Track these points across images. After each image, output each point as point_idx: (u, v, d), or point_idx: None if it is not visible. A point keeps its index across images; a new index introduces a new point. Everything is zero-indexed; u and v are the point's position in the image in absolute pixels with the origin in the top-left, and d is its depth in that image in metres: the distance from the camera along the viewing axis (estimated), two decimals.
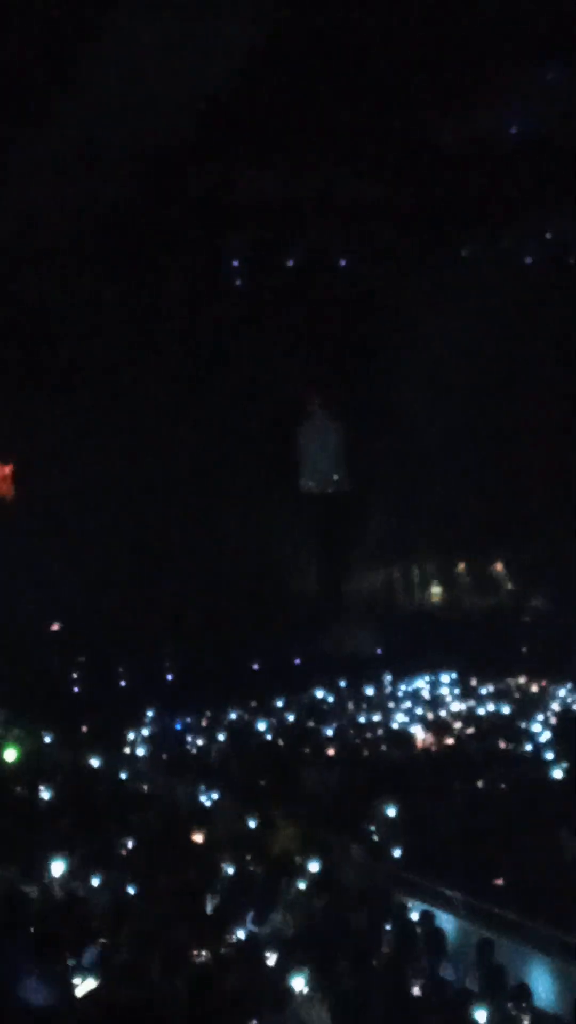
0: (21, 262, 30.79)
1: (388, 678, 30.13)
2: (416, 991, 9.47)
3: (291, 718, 24.74)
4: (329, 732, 22.69)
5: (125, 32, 20.06)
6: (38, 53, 20.21)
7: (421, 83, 23.77)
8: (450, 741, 22.00)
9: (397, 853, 14.00)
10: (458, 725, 23.81)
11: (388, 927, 11.02)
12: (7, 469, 35.41)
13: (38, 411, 34.21)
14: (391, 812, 15.40)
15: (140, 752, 20.29)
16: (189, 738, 21.99)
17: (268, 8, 20.32)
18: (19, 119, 22.92)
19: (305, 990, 8.66)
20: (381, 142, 26.21)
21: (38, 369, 32.77)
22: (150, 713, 24.26)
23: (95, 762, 16.83)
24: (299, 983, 8.59)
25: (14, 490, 35.33)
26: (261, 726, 23.79)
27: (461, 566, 39.43)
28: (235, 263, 33.74)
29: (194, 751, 20.78)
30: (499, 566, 38.14)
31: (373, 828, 15.10)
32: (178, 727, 23.22)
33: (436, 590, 40.26)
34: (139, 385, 34.72)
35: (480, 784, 17.98)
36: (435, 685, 29.81)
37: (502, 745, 21.30)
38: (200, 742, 21.55)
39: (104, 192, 26.92)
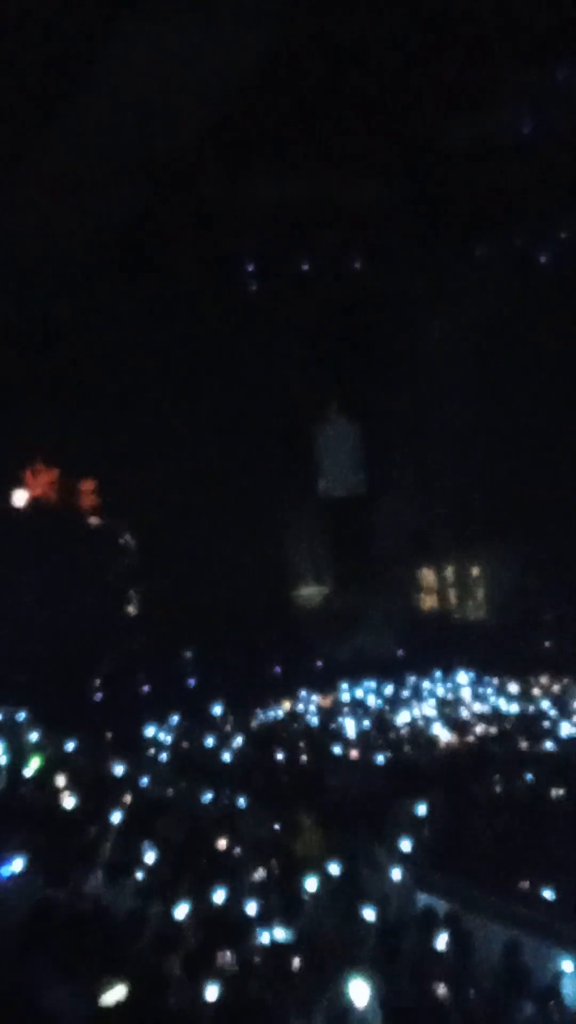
0: (36, 274, 30.93)
1: (410, 679, 30.11)
2: (442, 992, 9.45)
3: (314, 721, 24.74)
4: (351, 734, 22.69)
5: (134, 42, 20.09)
6: (46, 65, 20.25)
7: (432, 84, 23.72)
8: (472, 741, 21.95)
9: (421, 854, 13.98)
10: (480, 725, 23.75)
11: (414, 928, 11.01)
12: (53, 475, 35.60)
13: (69, 419, 34.37)
14: (415, 813, 15.39)
15: (163, 758, 20.30)
16: (212, 743, 21.99)
17: (276, 14, 20.31)
18: (29, 132, 23.00)
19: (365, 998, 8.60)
20: (393, 144, 26.18)
21: (64, 379, 32.89)
22: (173, 719, 24.31)
23: (118, 769, 16.85)
24: (361, 989, 8.53)
25: (58, 497, 35.54)
26: (283, 729, 23.82)
27: (480, 566, 39.33)
28: (250, 267, 33.77)
29: (217, 756, 20.77)
30: (517, 565, 38.01)
31: (398, 829, 15.07)
32: (201, 732, 23.24)
33: (456, 590, 40.18)
34: (154, 392, 34.78)
35: (503, 784, 17.92)
36: (456, 686, 29.77)
37: (524, 745, 21.24)
38: (223, 747, 21.55)
39: (119, 202, 27.00)
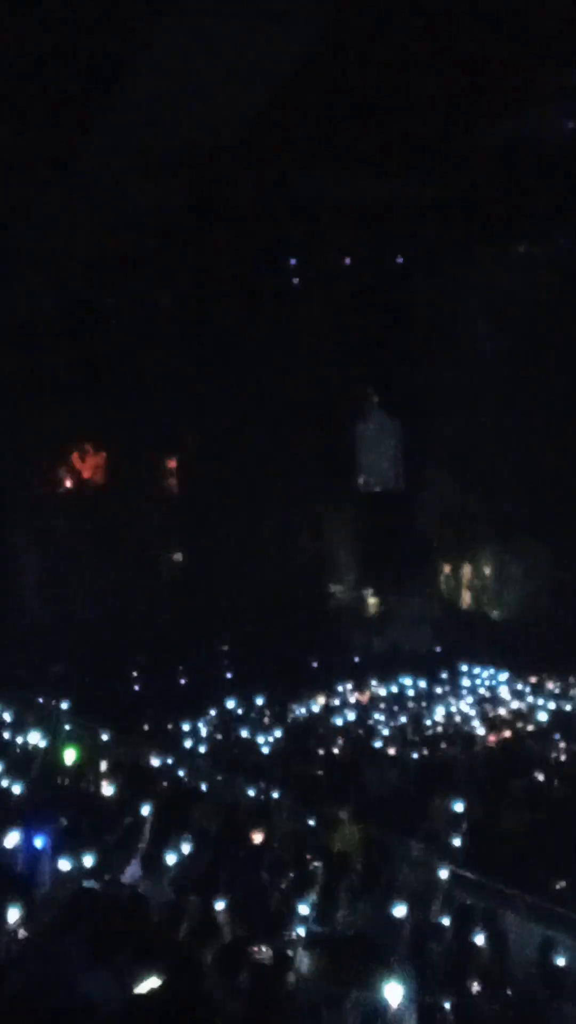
0: (81, 265, 31.14)
1: (446, 675, 30.04)
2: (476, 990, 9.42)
3: (351, 715, 24.73)
4: (387, 730, 22.67)
5: (176, 39, 20.15)
6: (90, 61, 20.33)
7: (475, 82, 23.61)
8: (509, 737, 21.87)
9: (458, 851, 13.95)
10: (518, 723, 23.67)
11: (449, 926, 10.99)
12: (100, 459, 35.86)
13: (115, 409, 34.58)
14: (452, 809, 15.35)
15: (200, 750, 20.35)
16: (248, 735, 22.02)
17: (318, 12, 20.28)
18: (71, 130, 23.11)
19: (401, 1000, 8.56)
20: (434, 143, 26.09)
21: (97, 373, 33.09)
22: (210, 711, 24.38)
23: (155, 760, 16.90)
24: (395, 991, 8.49)
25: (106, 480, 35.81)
26: (319, 723, 23.83)
27: (517, 562, 39.14)
28: (292, 262, 33.78)
29: (253, 749, 20.80)
30: (556, 561, 37.81)
31: (433, 826, 15.05)
32: (237, 725, 23.29)
33: (492, 586, 40.04)
34: (194, 386, 34.88)
35: (541, 782, 17.85)
36: (494, 682, 29.66)
37: (563, 743, 21.14)
38: (260, 740, 21.57)
39: (162, 196, 27.10)
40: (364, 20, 20.95)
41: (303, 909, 10.70)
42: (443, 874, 12.15)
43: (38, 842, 10.51)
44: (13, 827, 10.84)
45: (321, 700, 26.63)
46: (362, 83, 23.05)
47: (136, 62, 21.10)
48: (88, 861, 10.49)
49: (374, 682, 28.72)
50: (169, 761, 17.58)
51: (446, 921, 11.36)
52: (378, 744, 20.92)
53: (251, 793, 16.37)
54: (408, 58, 22.36)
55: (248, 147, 25.28)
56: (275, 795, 16.06)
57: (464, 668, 30.99)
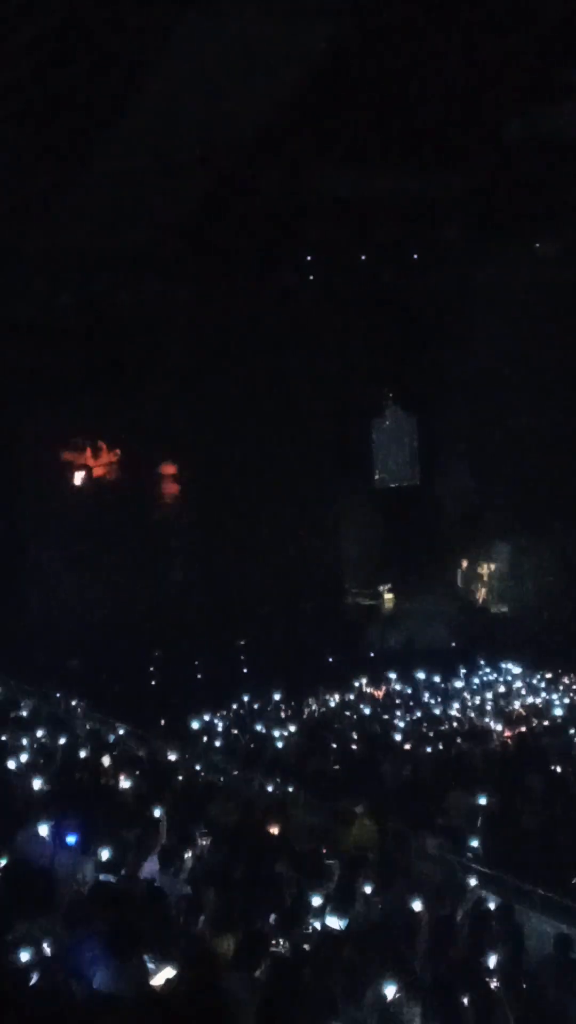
0: (99, 267, 31.25)
1: (462, 671, 30.05)
2: (493, 986, 9.44)
3: (367, 710, 24.77)
4: (403, 725, 22.70)
5: (191, 36, 20.15)
6: (107, 59, 20.36)
7: (497, 77, 23.54)
8: (526, 732, 21.88)
9: (474, 846, 13.97)
10: (533, 718, 23.67)
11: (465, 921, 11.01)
12: (114, 456, 35.96)
13: (116, 413, 34.69)
14: (468, 804, 15.38)
15: (216, 744, 20.42)
16: (265, 730, 22.08)
17: (340, 6, 20.25)
18: (90, 126, 23.16)
19: (394, 996, 8.61)
20: (450, 138, 26.03)
21: (108, 370, 33.18)
22: (227, 706, 24.45)
23: (172, 755, 16.97)
24: (390, 990, 8.54)
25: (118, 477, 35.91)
26: (335, 718, 23.87)
27: (534, 558, 39.10)
28: (308, 259, 33.75)
29: (270, 743, 20.85)
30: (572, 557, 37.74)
31: (450, 821, 15.08)
32: (253, 719, 23.36)
33: (509, 582, 39.99)
34: (212, 382, 34.94)
35: (557, 776, 17.85)
36: (509, 678, 29.67)
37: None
38: (276, 734, 21.62)
39: (181, 194, 27.13)
40: (379, 16, 20.91)
41: (319, 903, 10.74)
42: (472, 881, 12.11)
43: (70, 838, 10.58)
44: (36, 821, 10.92)
45: (337, 695, 26.68)
46: (378, 79, 23.01)
47: (151, 60, 21.11)
48: (105, 855, 10.55)
49: (390, 677, 28.76)
50: (186, 756, 17.64)
51: (462, 916, 11.39)
52: (394, 739, 20.94)
53: (268, 788, 16.42)
54: (424, 54, 22.30)
55: (263, 144, 25.27)
56: (291, 789, 16.10)
57: (480, 663, 30.99)
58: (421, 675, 28.84)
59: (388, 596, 40.34)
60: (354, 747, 20.46)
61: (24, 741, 16.41)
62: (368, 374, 37.89)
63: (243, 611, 34.42)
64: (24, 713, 19.41)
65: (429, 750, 19.79)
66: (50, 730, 17.41)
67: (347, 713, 24.86)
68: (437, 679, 28.71)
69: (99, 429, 35.66)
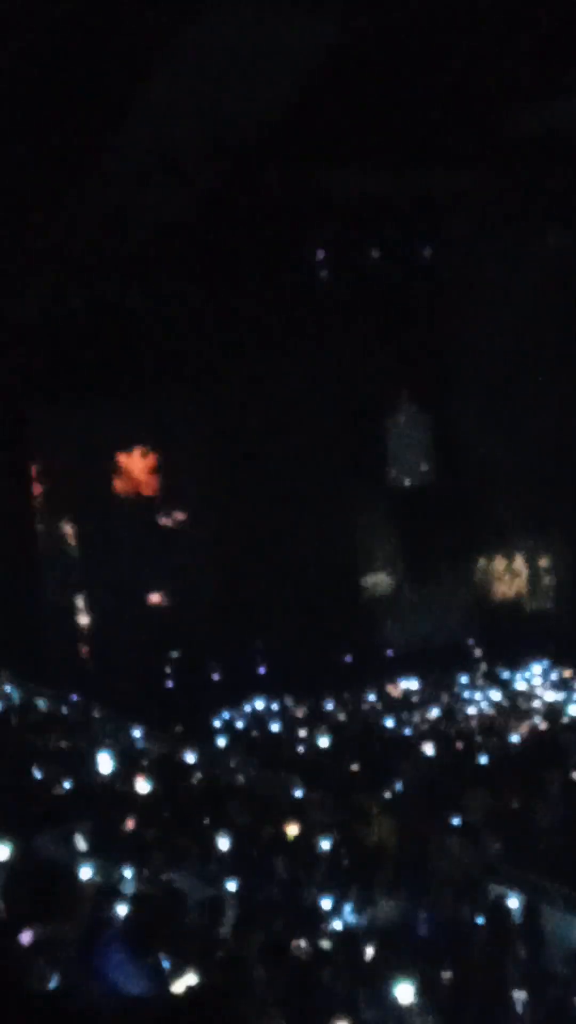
0: (109, 266, 31.24)
1: (480, 668, 29.99)
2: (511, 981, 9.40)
3: (385, 709, 24.75)
4: (421, 723, 22.66)
5: (201, 32, 20.12)
6: (114, 57, 20.34)
7: (506, 71, 23.43)
8: (543, 730, 21.81)
9: (495, 844, 13.92)
10: (554, 715, 23.59)
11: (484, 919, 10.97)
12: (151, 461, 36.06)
13: (132, 412, 34.73)
14: (485, 802, 15.33)
15: (234, 745, 20.41)
16: (281, 730, 22.07)
17: (341, 5, 20.20)
18: (98, 124, 23.14)
19: (412, 999, 8.53)
20: (465, 133, 25.93)
21: (125, 370, 33.19)
22: (244, 706, 24.46)
23: (189, 756, 16.96)
24: (406, 991, 8.45)
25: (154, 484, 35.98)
26: (353, 717, 23.86)
27: (551, 554, 38.99)
28: (320, 256, 33.69)
29: (288, 744, 20.84)
30: None
31: (468, 819, 15.03)
32: (270, 720, 23.35)
33: (527, 579, 39.87)
34: (226, 381, 34.90)
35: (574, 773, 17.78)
36: (527, 675, 29.59)
37: None
38: (293, 734, 21.62)
39: (185, 194, 27.12)
40: (388, 12, 20.84)
41: (339, 903, 10.72)
42: (512, 903, 11.93)
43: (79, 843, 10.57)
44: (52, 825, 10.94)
45: (355, 694, 26.66)
46: (383, 77, 22.93)
47: (160, 58, 21.09)
48: (124, 858, 10.55)
49: (407, 676, 28.71)
50: (204, 757, 17.63)
51: (483, 913, 11.35)
52: (412, 738, 20.90)
53: (286, 788, 16.39)
54: (432, 50, 22.22)
55: (273, 142, 25.22)
56: (310, 789, 16.07)
57: (498, 661, 30.91)
58: (438, 673, 28.79)
59: (404, 595, 40.24)
60: (372, 746, 20.42)
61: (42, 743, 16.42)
62: (382, 373, 37.80)
63: (259, 611, 34.37)
64: (42, 716, 19.44)
65: (447, 748, 19.73)
66: (67, 733, 17.42)
67: (364, 711, 24.83)
68: (455, 677, 28.65)
69: (109, 429, 35.66)
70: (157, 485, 35.11)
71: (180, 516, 35.51)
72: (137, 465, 35.71)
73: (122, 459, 36.00)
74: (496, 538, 39.32)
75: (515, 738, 21.25)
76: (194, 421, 36.01)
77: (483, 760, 18.95)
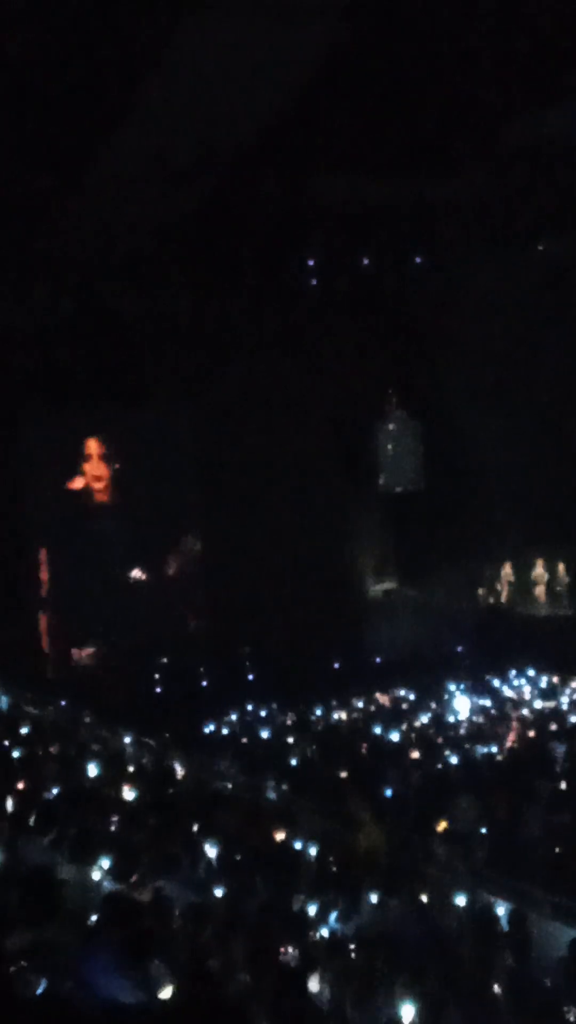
0: (101, 274, 31.30)
1: (471, 675, 29.98)
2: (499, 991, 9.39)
3: (374, 716, 24.73)
4: (411, 731, 22.64)
5: (196, 38, 20.15)
6: (108, 62, 20.37)
7: (495, 82, 23.50)
8: (534, 738, 21.81)
9: (482, 852, 13.94)
10: (542, 723, 23.59)
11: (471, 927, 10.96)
12: (114, 462, 35.99)
13: (120, 415, 34.74)
14: (475, 810, 15.34)
15: (222, 752, 20.39)
16: (270, 737, 22.05)
17: (341, 9, 20.23)
18: (90, 132, 23.18)
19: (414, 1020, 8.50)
20: (451, 143, 26.00)
21: (115, 375, 33.22)
22: (232, 713, 24.43)
23: (177, 763, 16.95)
24: (408, 1013, 8.43)
25: (108, 493, 35.90)
26: (342, 725, 23.84)
27: (543, 561, 39.06)
28: (310, 263, 33.75)
29: (276, 751, 20.82)
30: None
31: (457, 826, 15.04)
32: (259, 727, 23.32)
33: (519, 586, 39.94)
34: (216, 387, 34.94)
35: (564, 783, 17.79)
36: (518, 682, 29.61)
37: None
38: (282, 741, 21.60)
39: (177, 199, 27.15)
40: (379, 20, 20.88)
41: (326, 910, 10.72)
42: (466, 874, 12.09)
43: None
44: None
45: (344, 701, 26.64)
46: (378, 84, 22.98)
47: (154, 64, 21.12)
48: (109, 865, 10.52)
49: (397, 682, 28.71)
50: (192, 764, 17.62)
51: (470, 922, 11.34)
52: (401, 745, 20.89)
53: (274, 795, 16.39)
54: (427, 58, 22.28)
55: (262, 150, 25.27)
56: (298, 796, 16.07)
57: (487, 668, 30.91)
58: (428, 680, 28.80)
59: (394, 601, 40.28)
60: (360, 753, 20.41)
61: (30, 750, 16.38)
62: (372, 380, 37.87)
63: (248, 618, 34.39)
64: (30, 723, 19.41)
65: (435, 756, 19.73)
66: (56, 740, 17.40)
67: (354, 718, 24.81)
68: (444, 684, 28.65)
69: (100, 435, 35.68)
70: (146, 491, 35.05)
71: (169, 522, 35.47)
72: (125, 470, 35.70)
73: (110, 464, 36.00)
74: (487, 545, 39.36)
75: (504, 745, 21.27)
76: (185, 427, 36.04)
77: (471, 768, 18.96)
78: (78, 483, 35.77)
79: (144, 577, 35.55)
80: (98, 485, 35.96)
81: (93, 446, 35.81)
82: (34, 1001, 7.13)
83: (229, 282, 32.90)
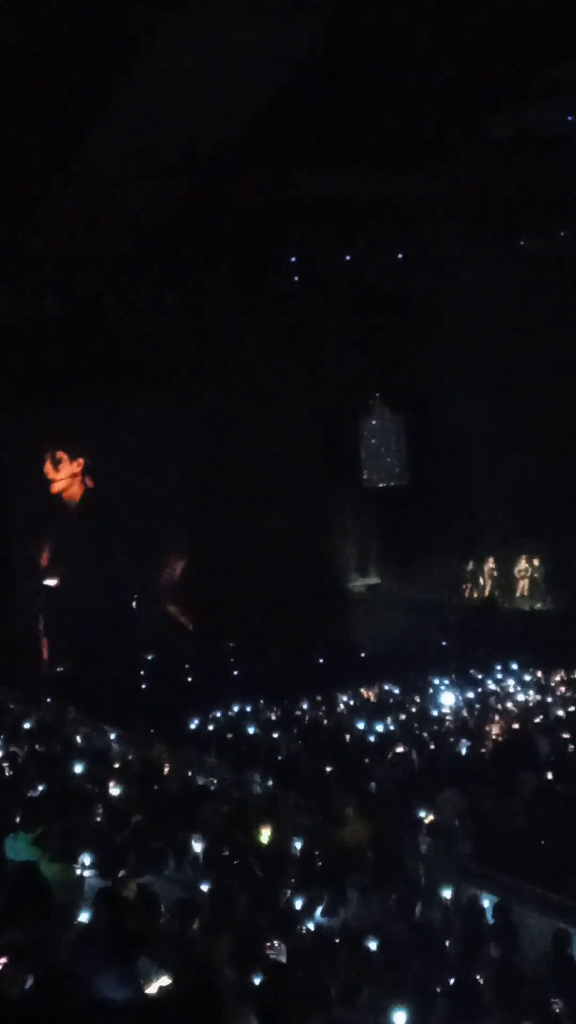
0: (83, 271, 31.21)
1: (455, 670, 30.04)
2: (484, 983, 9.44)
3: (358, 711, 24.77)
4: (394, 726, 22.69)
5: (176, 37, 20.11)
6: (88, 63, 20.32)
7: (482, 76, 23.51)
8: (518, 731, 21.88)
9: (467, 845, 13.99)
10: (526, 717, 23.68)
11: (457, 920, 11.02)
12: (77, 466, 35.83)
13: (104, 412, 34.65)
14: (459, 803, 15.40)
15: (207, 747, 20.39)
16: (256, 733, 22.06)
17: (323, 7, 20.20)
18: (71, 130, 23.12)
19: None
20: (435, 138, 25.99)
21: (101, 372, 33.14)
22: (217, 709, 24.44)
23: (163, 759, 16.94)
24: (401, 1018, 8.46)
25: (83, 489, 35.79)
26: (327, 720, 23.87)
27: (528, 557, 39.15)
28: (292, 259, 33.72)
29: (261, 746, 20.83)
30: (567, 556, 37.78)
31: (441, 820, 15.09)
32: (245, 722, 23.34)
33: (503, 581, 40.03)
34: (197, 384, 34.92)
35: (549, 776, 17.86)
36: (503, 677, 29.69)
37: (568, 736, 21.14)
38: (267, 737, 21.62)
39: (160, 196, 27.09)
40: (364, 15, 20.86)
41: (312, 904, 10.75)
42: (451, 867, 12.16)
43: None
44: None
45: (329, 696, 26.67)
46: (363, 79, 22.97)
47: (136, 61, 21.07)
48: (94, 861, 10.54)
49: (382, 677, 28.75)
50: (178, 760, 17.62)
51: (456, 914, 11.40)
52: (386, 739, 20.93)
53: (259, 789, 16.41)
54: (410, 53, 22.26)
55: (249, 145, 25.23)
56: (283, 791, 16.09)
57: (472, 662, 30.97)
58: (412, 674, 28.84)
59: (378, 596, 40.34)
60: (345, 747, 20.45)
61: (15, 748, 16.38)
62: (355, 375, 37.88)
63: (233, 613, 34.41)
64: (14, 719, 19.39)
65: (420, 750, 19.78)
66: (40, 736, 17.39)
67: (339, 713, 24.85)
68: (428, 678, 28.71)
69: (78, 436, 35.59)
70: (130, 488, 34.98)
71: (154, 519, 35.41)
72: (109, 468, 35.63)
73: (94, 462, 35.93)
74: (471, 540, 39.45)
75: (489, 739, 21.34)
76: (168, 424, 35.98)
77: (457, 761, 19.02)
78: (62, 481, 35.68)
79: (127, 574, 35.47)
80: (81, 483, 35.88)
81: (75, 443, 35.72)
82: (22, 998, 7.15)
83: (212, 279, 32.85)
